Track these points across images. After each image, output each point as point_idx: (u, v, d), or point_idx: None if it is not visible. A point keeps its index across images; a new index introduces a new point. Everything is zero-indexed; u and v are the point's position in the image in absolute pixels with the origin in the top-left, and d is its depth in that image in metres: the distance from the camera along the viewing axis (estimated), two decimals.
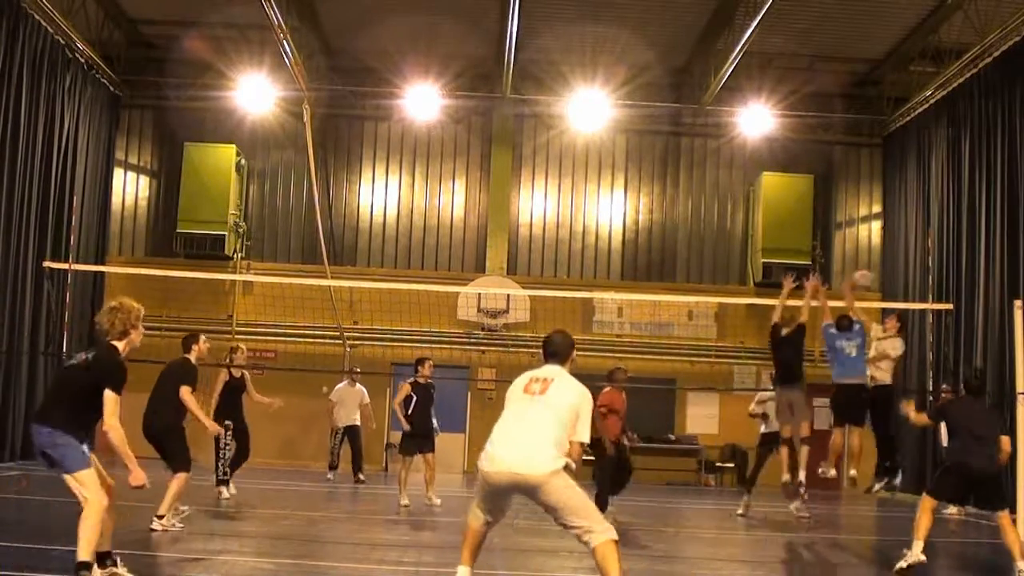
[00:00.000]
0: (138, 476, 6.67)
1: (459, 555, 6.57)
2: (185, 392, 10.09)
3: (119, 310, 6.82)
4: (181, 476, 9.76)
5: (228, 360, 13.17)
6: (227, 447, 12.82)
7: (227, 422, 12.60)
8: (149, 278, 18.80)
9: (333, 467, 17.39)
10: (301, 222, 21.49)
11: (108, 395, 6.58)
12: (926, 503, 8.93)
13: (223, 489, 12.73)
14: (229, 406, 12.83)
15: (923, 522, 8.81)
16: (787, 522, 13.65)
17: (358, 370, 17.91)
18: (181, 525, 9.91)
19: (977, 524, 14.59)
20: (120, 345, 6.80)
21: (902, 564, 8.71)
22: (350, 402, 17.20)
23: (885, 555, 11.86)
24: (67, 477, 6.41)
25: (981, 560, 11.76)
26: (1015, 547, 8.65)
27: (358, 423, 17.23)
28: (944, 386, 16.37)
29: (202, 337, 10.80)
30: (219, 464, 12.86)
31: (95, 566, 6.45)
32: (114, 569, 6.79)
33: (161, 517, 9.66)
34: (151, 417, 10.06)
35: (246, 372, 13.22)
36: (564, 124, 21.56)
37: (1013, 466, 12.85)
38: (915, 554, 8.68)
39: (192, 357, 10.55)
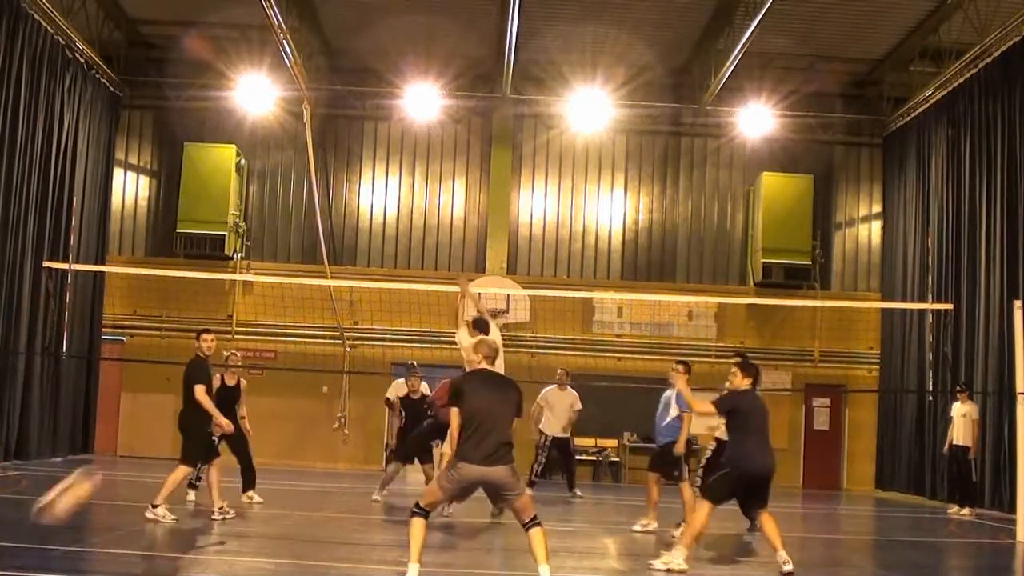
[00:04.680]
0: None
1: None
2: (199, 391, 10.52)
3: None
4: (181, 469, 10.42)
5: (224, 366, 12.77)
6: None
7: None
8: (149, 278, 18.82)
9: (532, 482, 15.40)
10: (301, 222, 21.47)
11: None
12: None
13: (191, 492, 12.49)
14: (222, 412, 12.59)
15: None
16: (786, 522, 13.63)
17: (565, 369, 16.47)
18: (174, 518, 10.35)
19: (979, 524, 14.60)
20: None
21: None
22: (560, 407, 15.87)
23: (885, 555, 11.87)
24: None
25: (981, 560, 11.76)
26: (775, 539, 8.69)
27: (568, 435, 16.10)
28: (959, 386, 16.33)
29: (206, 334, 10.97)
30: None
31: None
32: None
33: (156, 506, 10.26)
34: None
35: (244, 381, 12.86)
36: (564, 124, 21.55)
37: (1013, 466, 12.88)
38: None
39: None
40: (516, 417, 7.67)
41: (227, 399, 12.32)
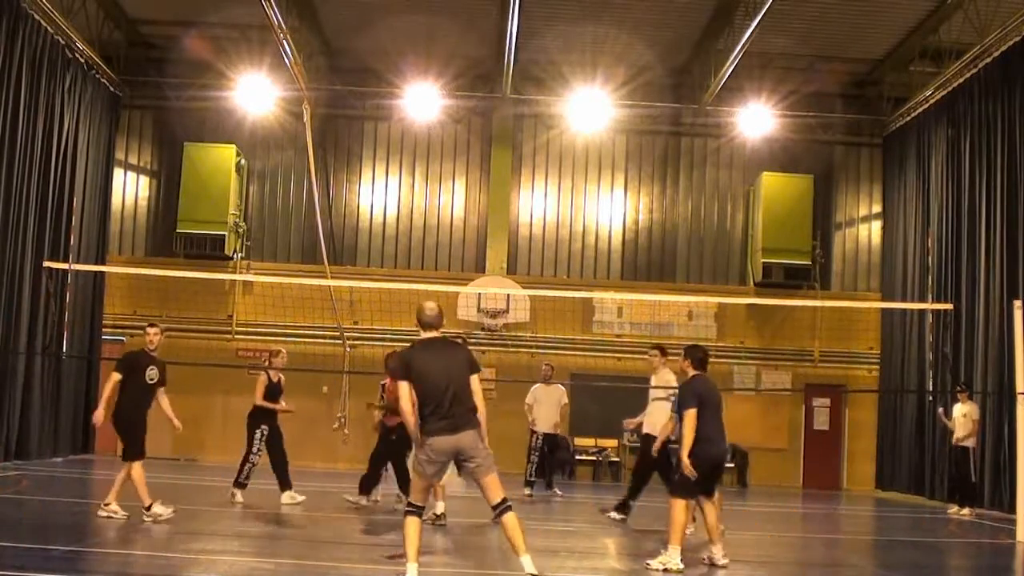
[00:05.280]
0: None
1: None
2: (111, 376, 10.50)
3: None
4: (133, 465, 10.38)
5: (267, 363, 12.95)
6: (258, 452, 12.57)
7: (263, 427, 12.56)
8: (149, 278, 18.81)
9: (530, 482, 15.49)
10: (301, 222, 21.48)
11: None
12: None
13: (237, 492, 12.51)
14: (265, 410, 12.62)
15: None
16: (786, 522, 13.64)
17: (549, 365, 16.27)
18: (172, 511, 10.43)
19: (979, 524, 14.60)
20: None
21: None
22: (548, 403, 15.76)
23: (885, 555, 11.88)
24: None
25: (981, 560, 11.76)
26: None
27: (558, 432, 16.19)
28: (959, 386, 16.32)
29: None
30: (242, 467, 12.58)
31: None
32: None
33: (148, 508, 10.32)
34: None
35: (283, 376, 12.96)
36: (564, 124, 21.56)
37: (1013, 466, 12.88)
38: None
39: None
40: (473, 374, 7.32)
41: (273, 394, 12.74)
